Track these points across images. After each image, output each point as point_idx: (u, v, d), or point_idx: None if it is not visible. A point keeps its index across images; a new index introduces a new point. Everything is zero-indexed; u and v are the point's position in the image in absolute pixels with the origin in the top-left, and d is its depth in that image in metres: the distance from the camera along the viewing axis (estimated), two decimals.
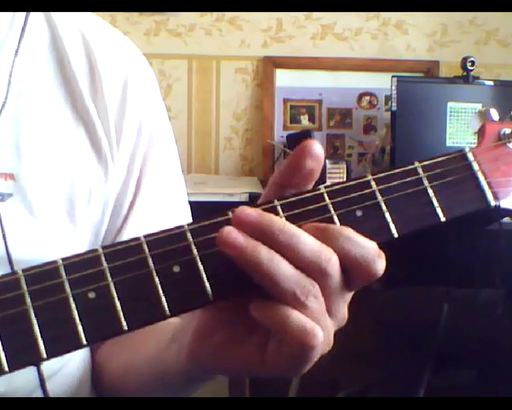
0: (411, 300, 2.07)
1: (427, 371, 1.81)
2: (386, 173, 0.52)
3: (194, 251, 0.48)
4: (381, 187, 0.51)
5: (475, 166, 0.54)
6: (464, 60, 2.32)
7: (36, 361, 0.45)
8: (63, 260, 0.46)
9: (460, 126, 2.32)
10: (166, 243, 0.47)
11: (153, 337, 0.64)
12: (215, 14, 2.54)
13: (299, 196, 0.50)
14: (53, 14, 0.72)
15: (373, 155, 2.55)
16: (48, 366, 0.62)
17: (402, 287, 2.09)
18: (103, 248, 0.47)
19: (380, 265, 0.48)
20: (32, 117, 0.68)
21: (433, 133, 2.33)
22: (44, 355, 0.45)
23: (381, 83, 2.50)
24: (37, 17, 0.71)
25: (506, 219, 1.80)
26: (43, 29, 0.72)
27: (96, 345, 0.75)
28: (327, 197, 0.51)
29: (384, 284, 2.08)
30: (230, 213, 0.49)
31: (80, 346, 0.46)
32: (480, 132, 0.57)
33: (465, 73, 2.33)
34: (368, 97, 2.60)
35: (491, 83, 2.38)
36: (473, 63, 2.31)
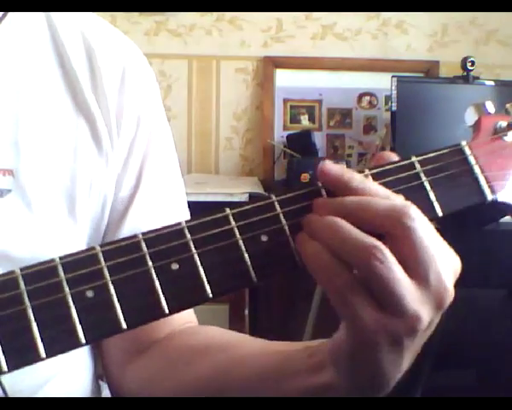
0: None
1: (426, 371, 1.81)
2: (383, 168, 0.52)
3: (193, 248, 0.47)
4: (378, 182, 0.51)
5: (472, 160, 0.53)
6: (464, 60, 2.32)
7: (35, 361, 0.45)
8: (61, 258, 0.46)
9: None
10: (164, 241, 0.47)
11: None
12: (215, 14, 2.54)
13: (297, 192, 0.50)
14: (53, 12, 0.72)
15: (373, 155, 2.55)
16: (46, 368, 0.62)
17: None
18: (101, 246, 0.47)
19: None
20: (31, 112, 0.68)
21: (433, 133, 2.32)
22: (43, 355, 0.45)
23: (381, 83, 2.50)
24: (36, 15, 0.71)
25: (504, 220, 1.80)
26: (43, 25, 0.72)
27: (123, 365, 0.73)
28: (324, 193, 0.50)
29: None
30: (228, 210, 0.49)
31: (79, 345, 0.46)
32: (476, 126, 0.56)
33: (465, 73, 2.33)
34: (368, 97, 2.60)
35: (491, 83, 2.37)
36: (473, 63, 2.30)
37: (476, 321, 1.84)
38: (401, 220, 0.46)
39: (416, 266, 0.47)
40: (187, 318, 0.75)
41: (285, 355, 0.59)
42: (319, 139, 2.55)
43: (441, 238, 0.49)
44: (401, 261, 0.46)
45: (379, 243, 0.46)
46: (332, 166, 0.50)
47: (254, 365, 0.62)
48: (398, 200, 0.49)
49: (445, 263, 0.48)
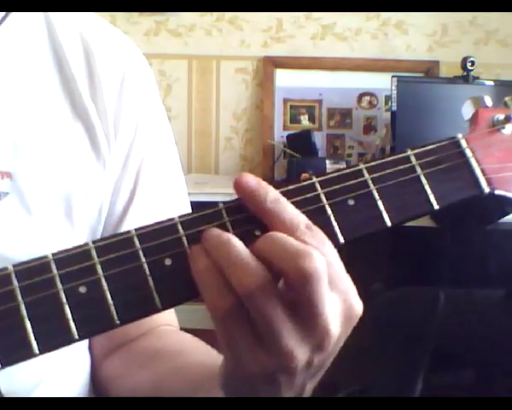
0: (411, 300, 2.07)
1: (426, 370, 1.81)
2: (379, 162, 0.51)
3: (186, 243, 0.47)
4: (373, 175, 0.51)
5: (468, 153, 0.53)
6: (464, 60, 2.32)
7: (28, 357, 0.45)
8: (54, 254, 0.46)
9: None
10: (157, 236, 0.47)
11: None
12: (215, 14, 2.54)
13: (290, 187, 0.50)
14: (51, 13, 0.72)
15: (373, 155, 2.55)
16: (41, 367, 0.62)
17: (401, 287, 2.09)
18: (94, 242, 0.47)
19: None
20: (29, 115, 0.68)
21: (433, 133, 2.32)
22: (37, 351, 0.45)
23: (381, 83, 2.50)
24: (35, 15, 0.71)
25: (504, 220, 1.80)
26: (41, 26, 0.72)
27: (100, 360, 0.74)
28: (319, 187, 0.50)
29: (384, 285, 2.08)
30: (221, 205, 0.49)
31: (72, 341, 0.46)
32: (473, 119, 0.56)
33: (465, 73, 2.33)
34: (368, 97, 2.60)
35: (491, 83, 2.37)
36: (473, 63, 2.31)
37: (475, 321, 1.84)
38: (298, 266, 0.44)
39: (302, 312, 0.45)
40: (165, 320, 0.75)
41: (207, 369, 0.59)
42: (319, 139, 2.55)
43: (348, 278, 0.47)
44: (289, 301, 0.45)
45: (266, 274, 0.45)
46: (248, 181, 0.48)
47: (187, 376, 0.62)
48: (305, 236, 0.46)
49: (336, 308, 0.46)
